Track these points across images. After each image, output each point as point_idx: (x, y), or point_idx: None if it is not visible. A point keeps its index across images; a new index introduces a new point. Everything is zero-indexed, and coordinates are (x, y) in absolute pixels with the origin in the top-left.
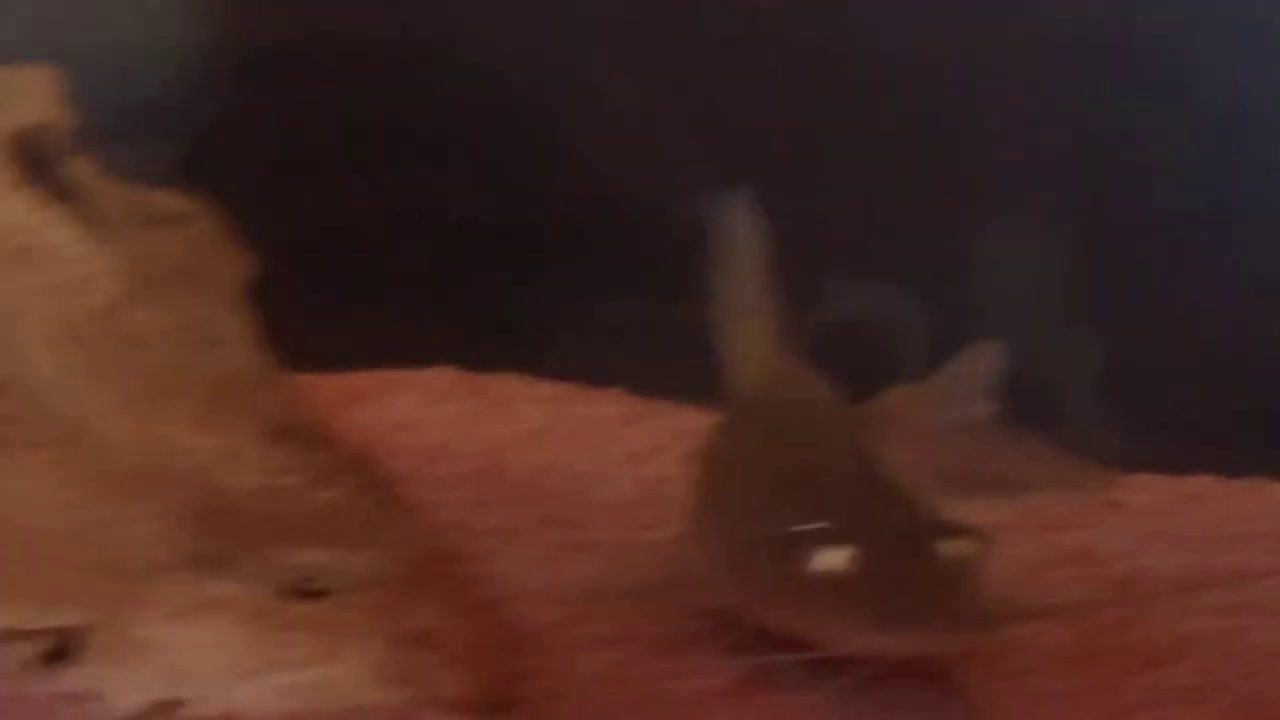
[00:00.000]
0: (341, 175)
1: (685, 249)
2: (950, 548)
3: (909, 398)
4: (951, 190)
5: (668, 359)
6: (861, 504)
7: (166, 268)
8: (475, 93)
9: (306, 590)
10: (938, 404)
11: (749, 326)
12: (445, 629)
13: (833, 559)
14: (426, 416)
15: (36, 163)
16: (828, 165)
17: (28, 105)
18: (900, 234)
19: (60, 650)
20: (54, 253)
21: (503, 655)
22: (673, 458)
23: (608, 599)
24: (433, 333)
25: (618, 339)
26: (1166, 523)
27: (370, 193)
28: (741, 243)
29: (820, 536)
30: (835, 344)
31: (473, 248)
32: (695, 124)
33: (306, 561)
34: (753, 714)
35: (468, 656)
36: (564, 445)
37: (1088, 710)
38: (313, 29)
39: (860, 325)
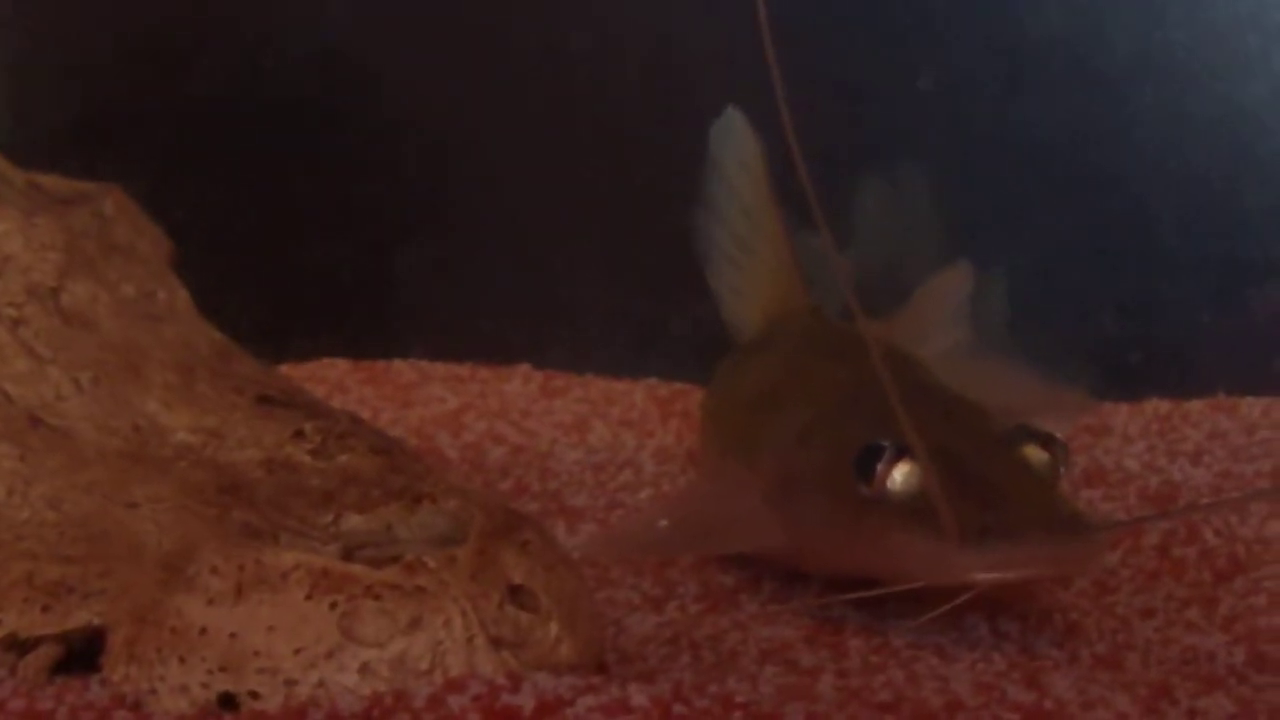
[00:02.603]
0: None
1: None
2: (1037, 455)
3: (882, 328)
4: None
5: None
6: (930, 416)
7: (93, 245)
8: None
9: (372, 557)
10: (910, 332)
11: (754, 260)
12: (537, 585)
13: (910, 476)
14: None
15: None
16: None
17: None
18: None
19: (76, 655)
20: None
21: (593, 610)
22: (608, 424)
23: (637, 558)
24: (307, 326)
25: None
26: (1162, 440)
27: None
28: (739, 169)
29: (892, 453)
30: None
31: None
32: None
33: (354, 527)
34: (833, 664)
35: (564, 613)
36: (492, 421)
37: (1188, 624)
38: None
39: None
